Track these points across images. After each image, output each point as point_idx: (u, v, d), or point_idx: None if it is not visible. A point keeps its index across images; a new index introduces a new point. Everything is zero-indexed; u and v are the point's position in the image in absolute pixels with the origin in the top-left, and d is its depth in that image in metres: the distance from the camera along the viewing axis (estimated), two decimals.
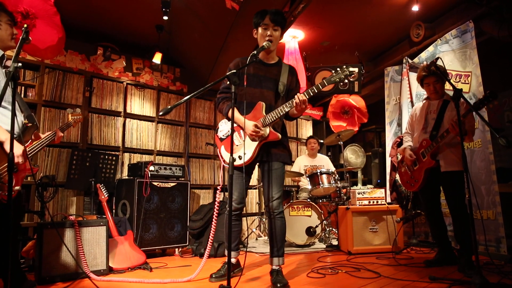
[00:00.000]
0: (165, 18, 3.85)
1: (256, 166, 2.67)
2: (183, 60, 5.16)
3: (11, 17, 2.19)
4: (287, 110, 2.39)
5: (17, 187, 2.06)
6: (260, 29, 2.50)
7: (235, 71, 2.10)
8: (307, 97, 2.33)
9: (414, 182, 3.04)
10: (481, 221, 3.23)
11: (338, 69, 2.37)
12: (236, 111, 2.48)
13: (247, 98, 2.50)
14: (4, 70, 2.17)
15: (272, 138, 2.44)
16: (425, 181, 2.97)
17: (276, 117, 2.40)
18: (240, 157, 2.46)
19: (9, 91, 1.95)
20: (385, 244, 3.63)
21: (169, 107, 1.92)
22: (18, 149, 2.00)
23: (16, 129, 2.06)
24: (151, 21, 4.33)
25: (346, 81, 2.37)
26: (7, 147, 1.97)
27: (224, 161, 2.57)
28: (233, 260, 2.65)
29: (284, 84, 2.56)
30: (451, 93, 3.23)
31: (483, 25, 3.93)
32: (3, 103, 2.09)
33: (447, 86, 3.81)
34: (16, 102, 2.14)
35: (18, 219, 2.36)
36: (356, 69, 2.35)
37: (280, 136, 2.46)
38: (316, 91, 2.34)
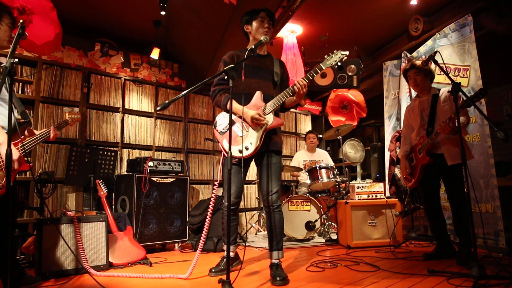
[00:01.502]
0: (163, 13, 3.83)
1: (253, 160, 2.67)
2: (181, 55, 5.15)
3: (13, 21, 2.23)
4: (288, 96, 2.44)
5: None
6: (255, 23, 2.58)
7: (233, 65, 2.11)
8: (307, 81, 2.39)
9: (411, 178, 3.08)
10: (479, 215, 3.24)
11: (330, 54, 2.46)
12: (235, 102, 2.48)
13: (245, 89, 2.51)
14: None
15: (276, 124, 2.48)
16: (421, 177, 3.01)
17: (278, 104, 2.45)
18: (247, 148, 2.43)
19: (9, 87, 1.94)
20: (384, 238, 3.64)
21: (167, 102, 1.92)
22: (15, 153, 1.99)
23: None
24: (148, 16, 4.31)
25: (339, 64, 2.47)
26: (2, 149, 1.97)
27: (227, 154, 2.55)
28: (231, 254, 2.66)
29: (278, 74, 2.63)
30: (439, 86, 3.24)
31: (482, 19, 3.92)
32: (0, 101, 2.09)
33: (444, 80, 3.82)
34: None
35: (13, 215, 2.35)
36: (347, 52, 2.47)
37: (283, 121, 2.54)
38: (314, 75, 2.40)
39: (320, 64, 2.41)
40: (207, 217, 2.60)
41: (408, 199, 3.97)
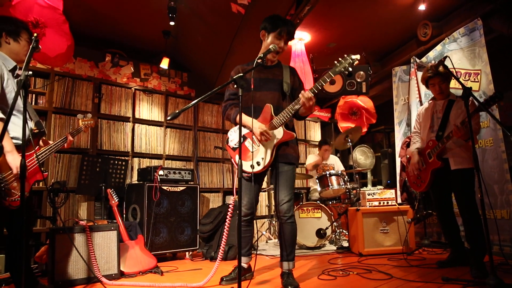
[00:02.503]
0: (172, 23, 3.89)
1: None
2: (190, 64, 5.20)
3: (31, 36, 2.32)
4: (296, 108, 2.35)
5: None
6: (271, 37, 2.48)
7: (242, 74, 2.09)
8: (311, 94, 2.29)
9: (421, 183, 3.02)
10: (494, 221, 3.18)
11: (340, 59, 2.33)
12: (245, 115, 2.47)
13: (253, 102, 2.50)
14: (16, 79, 2.23)
15: (286, 138, 2.43)
16: (431, 182, 2.95)
17: (287, 117, 2.38)
18: (258, 163, 2.43)
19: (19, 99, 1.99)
20: (397, 245, 3.59)
21: (177, 111, 1.93)
22: (17, 160, 2.00)
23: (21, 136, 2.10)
24: (158, 27, 4.37)
25: (350, 69, 2.31)
26: (9, 157, 2.01)
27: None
28: (244, 265, 2.63)
29: (288, 83, 2.54)
30: (456, 91, 3.20)
31: (492, 22, 3.88)
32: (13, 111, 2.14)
33: (454, 84, 3.78)
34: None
35: (29, 224, 2.41)
36: (358, 56, 2.32)
37: (295, 134, 2.46)
38: (323, 83, 2.29)
39: (329, 72, 2.30)
40: (225, 226, 2.60)
41: (420, 205, 3.92)
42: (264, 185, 5.40)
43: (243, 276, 2.58)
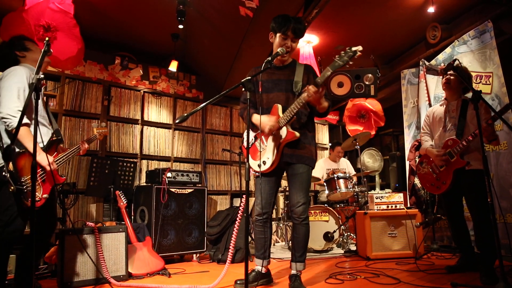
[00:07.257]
0: (181, 27, 3.92)
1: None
2: (198, 67, 5.23)
3: (32, 41, 2.42)
4: (299, 106, 2.31)
5: (44, 195, 2.18)
6: (278, 37, 2.45)
7: (249, 78, 2.08)
8: (314, 89, 2.23)
9: (441, 184, 2.88)
10: (504, 225, 3.13)
11: (341, 52, 2.24)
12: (256, 115, 2.48)
13: (264, 104, 2.51)
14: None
15: (289, 137, 2.39)
16: (453, 183, 2.82)
17: (291, 115, 2.34)
18: (264, 162, 2.45)
19: (35, 102, 2.03)
20: (405, 249, 3.56)
21: (185, 114, 1.94)
22: (45, 159, 2.13)
23: (43, 142, 2.19)
24: (166, 30, 4.41)
25: (351, 62, 2.22)
26: (38, 157, 2.09)
27: (251, 168, 2.56)
28: (258, 268, 2.57)
29: (299, 83, 2.49)
30: (469, 95, 3.15)
31: (503, 25, 3.84)
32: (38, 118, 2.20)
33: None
34: (48, 115, 2.31)
35: (52, 224, 2.47)
36: (359, 47, 2.23)
37: (297, 134, 2.38)
38: (327, 75, 2.24)
39: (328, 67, 2.23)
40: (235, 227, 2.61)
41: (428, 209, 3.88)
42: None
43: (257, 281, 2.52)
